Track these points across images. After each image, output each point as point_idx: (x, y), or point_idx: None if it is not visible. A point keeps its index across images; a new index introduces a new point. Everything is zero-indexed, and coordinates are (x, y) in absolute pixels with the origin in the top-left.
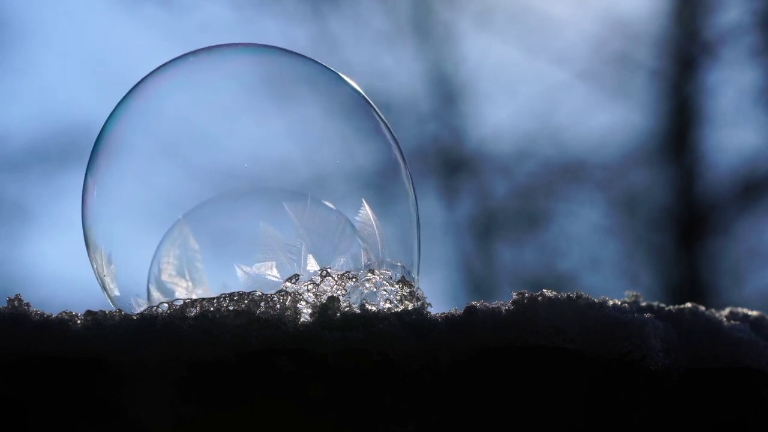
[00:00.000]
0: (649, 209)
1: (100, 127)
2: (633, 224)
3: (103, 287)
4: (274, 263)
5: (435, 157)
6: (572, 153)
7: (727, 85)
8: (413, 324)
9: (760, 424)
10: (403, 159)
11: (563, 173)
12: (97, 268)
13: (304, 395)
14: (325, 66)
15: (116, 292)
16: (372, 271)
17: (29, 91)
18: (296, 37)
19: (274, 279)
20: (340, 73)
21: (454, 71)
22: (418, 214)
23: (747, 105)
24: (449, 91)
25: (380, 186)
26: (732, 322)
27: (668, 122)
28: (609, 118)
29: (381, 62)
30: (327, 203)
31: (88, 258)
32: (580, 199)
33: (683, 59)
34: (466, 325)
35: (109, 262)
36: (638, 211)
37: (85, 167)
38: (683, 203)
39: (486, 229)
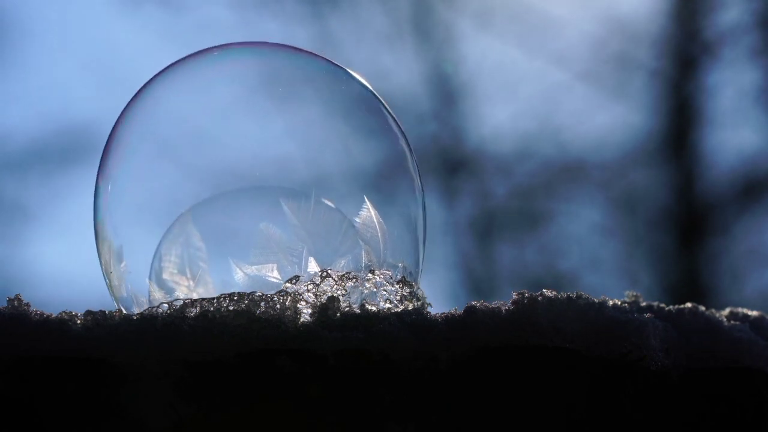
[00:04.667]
0: (649, 209)
1: (108, 128)
2: (633, 224)
3: (110, 286)
4: (275, 265)
5: (435, 157)
6: (572, 153)
7: (727, 85)
8: (413, 324)
9: (760, 424)
10: (411, 154)
11: (563, 173)
12: (104, 266)
13: (304, 395)
14: (331, 62)
15: (123, 292)
16: (372, 272)
17: (29, 91)
18: (296, 37)
19: (275, 281)
20: (348, 69)
21: (454, 71)
22: (425, 213)
23: (747, 105)
24: (449, 91)
25: (385, 184)
26: (732, 322)
27: (668, 122)
28: (609, 118)
29: (381, 62)
30: (328, 203)
31: (97, 255)
32: (580, 199)
33: (683, 59)
34: (466, 325)
35: (120, 260)
36: (638, 211)
37: (96, 168)
38: (683, 203)
39: (486, 229)
